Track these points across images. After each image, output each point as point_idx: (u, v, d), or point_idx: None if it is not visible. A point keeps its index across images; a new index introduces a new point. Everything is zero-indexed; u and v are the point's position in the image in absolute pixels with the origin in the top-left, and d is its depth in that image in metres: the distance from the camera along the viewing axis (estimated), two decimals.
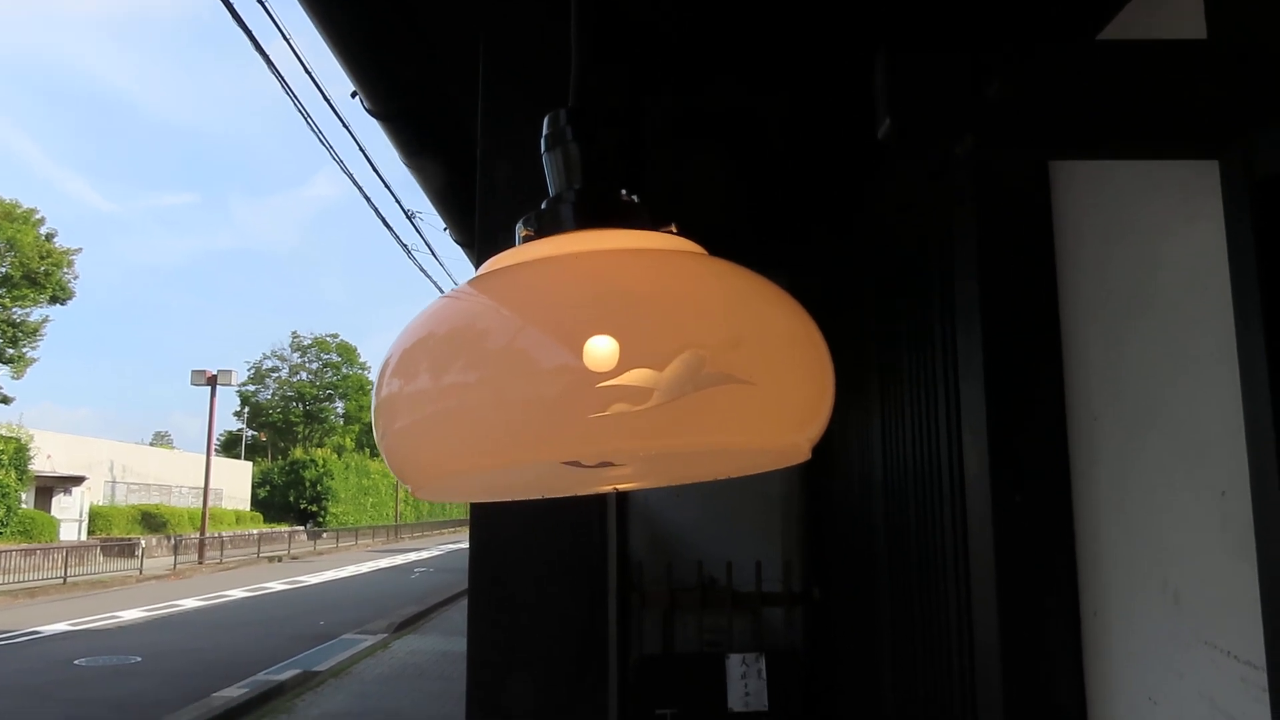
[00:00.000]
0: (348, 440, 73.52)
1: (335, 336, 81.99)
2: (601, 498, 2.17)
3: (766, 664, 4.39)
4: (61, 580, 25.85)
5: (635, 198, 0.86)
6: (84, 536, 35.56)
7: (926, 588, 2.83)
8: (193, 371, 41.27)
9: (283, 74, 7.99)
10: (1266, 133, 1.48)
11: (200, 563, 33.55)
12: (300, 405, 78.24)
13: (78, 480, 37.46)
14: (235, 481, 53.63)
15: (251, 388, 78.31)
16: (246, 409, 78.37)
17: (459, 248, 5.42)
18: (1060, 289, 2.05)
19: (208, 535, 36.44)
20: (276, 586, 26.24)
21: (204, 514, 38.11)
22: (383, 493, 62.22)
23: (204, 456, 40.65)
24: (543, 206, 0.87)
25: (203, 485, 39.72)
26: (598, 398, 0.65)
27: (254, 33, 6.60)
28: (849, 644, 3.95)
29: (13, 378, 41.82)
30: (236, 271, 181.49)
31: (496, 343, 0.71)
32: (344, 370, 79.60)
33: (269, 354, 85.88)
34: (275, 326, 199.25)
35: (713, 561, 4.61)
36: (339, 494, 55.72)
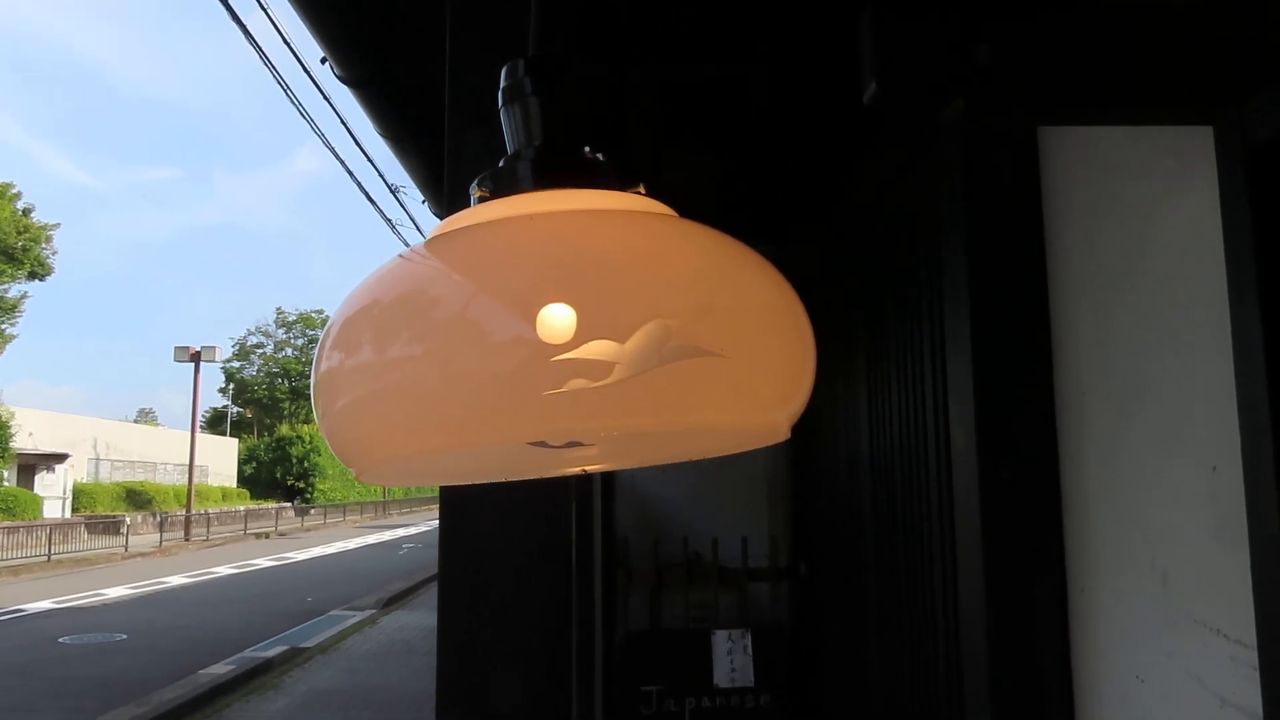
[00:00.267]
0: None
1: (320, 312, 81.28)
2: (587, 476, 2.12)
3: (753, 639, 4.37)
4: (46, 558, 25.76)
5: (600, 156, 0.79)
6: (68, 514, 35.42)
7: (912, 563, 2.81)
8: (176, 348, 41.13)
9: (262, 47, 7.88)
10: (1262, 97, 1.44)
11: (186, 540, 33.48)
12: (286, 381, 77.84)
13: (61, 458, 37.26)
14: (221, 458, 53.49)
15: (236, 364, 78.03)
16: (231, 385, 78.06)
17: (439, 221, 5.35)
18: (1049, 261, 2.01)
19: (194, 512, 36.37)
20: (264, 563, 26.21)
21: (189, 491, 38.04)
22: None
23: (189, 433, 40.54)
24: (500, 165, 0.80)
25: (188, 462, 39.63)
26: (553, 373, 0.59)
27: (231, 4, 6.49)
28: (835, 619, 3.94)
29: None
30: (221, 247, 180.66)
31: (444, 312, 0.65)
32: None
33: (253, 330, 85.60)
34: (261, 303, 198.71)
35: (699, 537, 4.59)
36: (326, 470, 55.61)
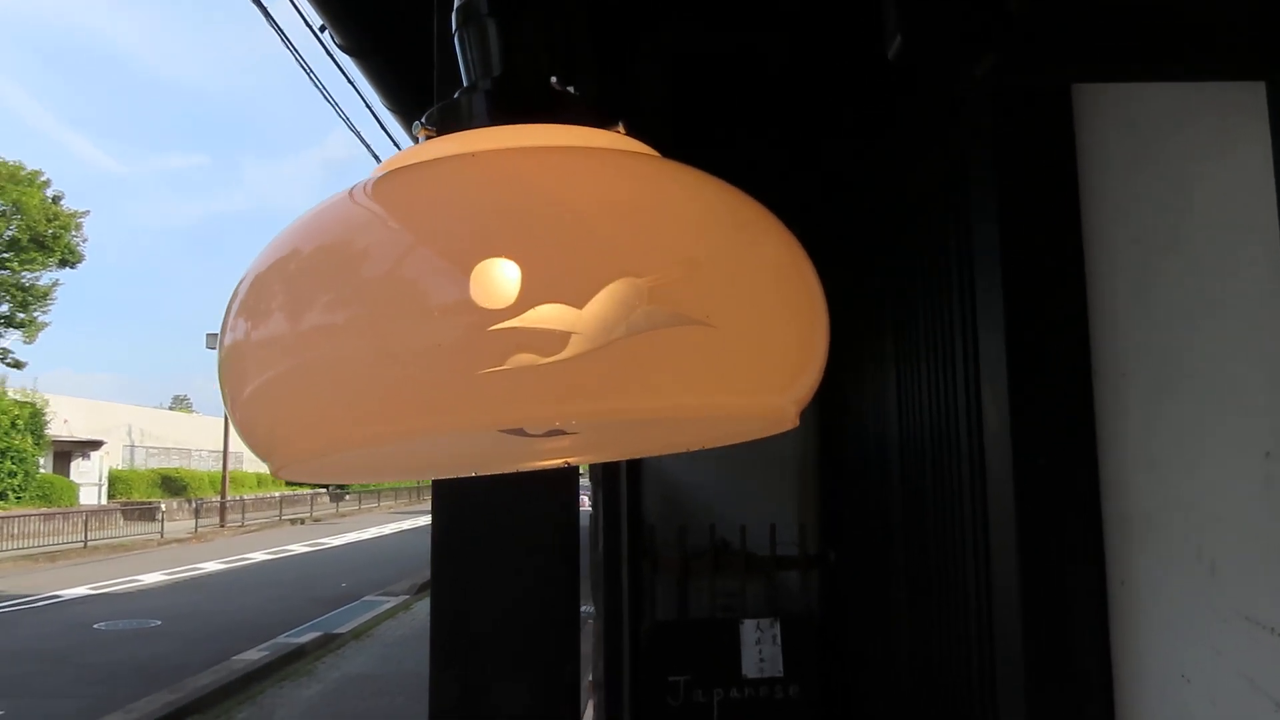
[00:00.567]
0: None
1: None
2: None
3: (781, 629, 4.28)
4: (82, 544, 26.09)
5: (572, 88, 0.66)
6: (104, 500, 35.87)
7: (944, 553, 2.70)
8: (208, 335, 41.46)
9: (282, 28, 7.83)
10: None
11: (221, 526, 33.84)
12: None
13: (96, 444, 37.71)
14: None
15: None
16: None
17: None
18: (1084, 227, 1.89)
19: (229, 499, 36.74)
20: (298, 549, 26.42)
21: (224, 477, 38.43)
22: None
23: (222, 420, 40.90)
24: (451, 98, 0.67)
25: (222, 448, 40.00)
26: (490, 345, 0.47)
27: None
28: (865, 609, 3.84)
29: (24, 342, 41.89)
30: (251, 233, 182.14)
31: (371, 270, 0.53)
32: None
33: None
34: None
35: (726, 524, 4.49)
36: None
